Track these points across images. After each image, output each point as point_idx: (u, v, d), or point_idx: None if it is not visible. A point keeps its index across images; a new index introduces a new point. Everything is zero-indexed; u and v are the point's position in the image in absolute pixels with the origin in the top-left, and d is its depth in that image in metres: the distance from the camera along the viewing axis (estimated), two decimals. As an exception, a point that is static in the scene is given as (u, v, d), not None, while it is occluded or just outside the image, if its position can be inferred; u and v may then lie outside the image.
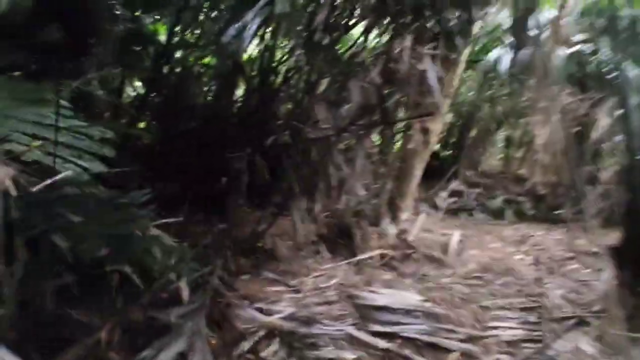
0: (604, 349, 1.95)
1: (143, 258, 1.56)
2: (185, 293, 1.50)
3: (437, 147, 5.01)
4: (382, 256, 2.89)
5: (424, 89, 2.18)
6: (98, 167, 1.26)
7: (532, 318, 2.22)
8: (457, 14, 2.30)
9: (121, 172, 1.84)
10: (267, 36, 3.75)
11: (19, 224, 1.45)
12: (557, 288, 2.62)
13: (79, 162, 1.25)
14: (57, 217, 1.54)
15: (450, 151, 5.46)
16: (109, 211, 1.58)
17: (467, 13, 2.26)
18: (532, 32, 3.19)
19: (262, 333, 1.77)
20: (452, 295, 2.43)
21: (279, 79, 3.89)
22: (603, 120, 4.42)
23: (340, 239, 2.96)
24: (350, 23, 3.34)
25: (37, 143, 1.20)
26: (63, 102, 1.43)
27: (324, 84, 3.51)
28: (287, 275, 2.55)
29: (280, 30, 3.26)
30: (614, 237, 2.69)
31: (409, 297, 2.32)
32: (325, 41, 3.42)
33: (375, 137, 3.31)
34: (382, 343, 1.80)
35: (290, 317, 1.92)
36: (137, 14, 3.14)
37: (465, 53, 3.20)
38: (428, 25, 2.24)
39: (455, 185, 4.84)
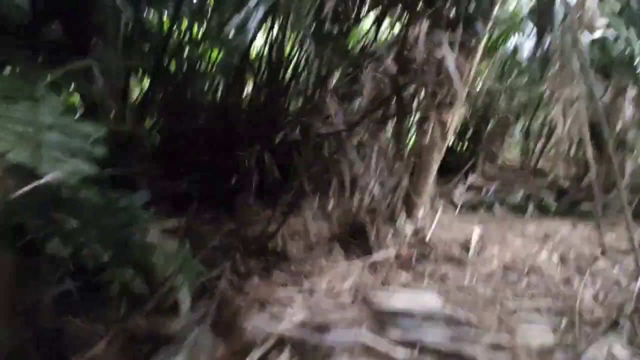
0: (637, 352, 1.80)
1: (144, 263, 1.47)
2: (184, 305, 1.40)
3: (453, 140, 4.84)
4: (398, 255, 2.75)
5: (441, 78, 2.03)
6: (89, 168, 1.15)
7: (563, 322, 2.06)
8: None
9: (123, 172, 1.75)
10: (275, 29, 3.64)
11: (11, 230, 1.36)
12: (587, 288, 2.46)
13: (70, 162, 1.16)
14: (54, 222, 1.45)
15: (468, 144, 5.26)
16: (108, 214, 1.49)
17: (487, -5, 2.11)
18: (556, 18, 3.01)
19: (272, 342, 1.66)
20: (475, 297, 2.29)
21: (289, 73, 3.79)
22: (628, 109, 4.20)
23: (354, 238, 2.84)
24: (362, 12, 3.21)
25: (24, 143, 1.11)
26: (54, 99, 1.34)
27: (335, 77, 3.39)
28: (299, 276, 2.44)
29: (288, 21, 3.14)
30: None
31: (429, 300, 2.19)
32: (335, 32, 3.30)
33: (390, 131, 3.18)
34: (401, 352, 1.68)
35: (302, 324, 1.81)
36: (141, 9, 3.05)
37: (484, 40, 3.02)
38: (445, 9, 2.08)
39: (473, 179, 4.65)
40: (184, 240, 2.39)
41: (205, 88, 3.86)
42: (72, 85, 2.30)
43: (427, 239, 2.97)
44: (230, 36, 2.04)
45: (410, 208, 3.21)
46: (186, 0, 2.75)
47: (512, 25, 4.11)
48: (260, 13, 1.99)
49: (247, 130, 3.71)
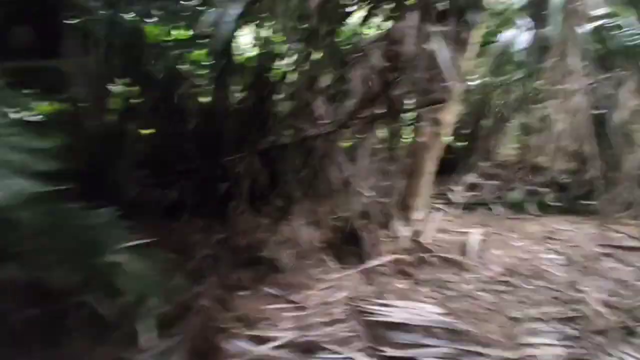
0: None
1: (111, 287, 1.33)
2: (145, 338, 1.26)
3: (450, 138, 4.70)
4: (395, 262, 2.61)
5: (434, 73, 1.89)
6: (34, 186, 1.01)
7: (572, 330, 1.93)
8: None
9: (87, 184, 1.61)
10: (261, 28, 3.51)
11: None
12: (596, 291, 2.32)
13: (11, 181, 1.02)
14: (10, 245, 1.30)
15: (464, 142, 5.12)
16: (68, 234, 1.34)
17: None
18: (552, 9, 2.88)
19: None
20: (477, 306, 2.15)
21: (278, 74, 3.65)
22: (629, 101, 4.06)
23: (348, 245, 2.70)
24: (349, 9, 3.07)
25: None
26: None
27: (325, 77, 3.25)
28: (290, 288, 2.30)
29: (271, 19, 3.00)
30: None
31: (428, 311, 2.05)
32: (324, 29, 3.16)
33: (383, 131, 3.04)
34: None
35: (290, 344, 1.67)
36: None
37: (477, 33, 2.89)
38: (435, 0, 1.95)
39: (471, 178, 4.52)
40: (160, 257, 2.26)
41: (191, 90, 3.72)
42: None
43: (425, 242, 2.83)
44: (207, 33, 1.91)
45: (406, 211, 3.07)
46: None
47: (507, 17, 3.98)
48: (237, 10, 1.86)
49: (236, 135, 3.57)
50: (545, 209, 4.06)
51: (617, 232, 3.27)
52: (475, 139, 5.09)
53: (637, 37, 3.64)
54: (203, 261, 2.67)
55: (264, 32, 3.53)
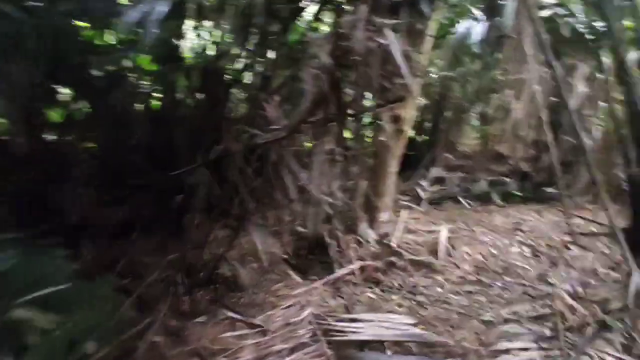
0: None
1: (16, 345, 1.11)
2: None
3: (411, 133, 4.63)
4: (363, 269, 2.48)
5: (389, 68, 1.76)
6: None
7: (546, 330, 1.86)
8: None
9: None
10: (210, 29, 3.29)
11: None
12: (565, 283, 2.28)
13: None
14: None
15: (427, 136, 5.09)
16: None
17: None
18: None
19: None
20: (449, 311, 2.06)
21: (230, 77, 3.44)
22: (580, 87, 4.13)
23: (312, 255, 2.55)
24: (302, 5, 2.92)
25: None
26: None
27: (279, 79, 3.08)
28: (251, 309, 2.12)
29: (217, 17, 2.80)
30: (612, 214, 2.35)
31: (398, 322, 1.92)
32: (274, 27, 2.98)
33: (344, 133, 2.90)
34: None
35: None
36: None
37: (433, 26, 2.80)
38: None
39: (435, 172, 4.48)
40: (104, 287, 2.02)
41: (132, 97, 3.44)
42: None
43: (394, 245, 2.72)
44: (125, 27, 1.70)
45: (372, 213, 2.95)
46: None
47: (462, 9, 3.93)
48: (162, 8, 1.65)
49: (188, 143, 3.33)
50: (509, 199, 4.07)
51: (579, 217, 3.29)
52: (437, 132, 5.07)
53: (585, 25, 3.69)
54: (155, 285, 2.45)
55: (215, 32, 3.32)
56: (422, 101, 4.81)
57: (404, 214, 3.34)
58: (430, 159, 4.67)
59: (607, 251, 2.67)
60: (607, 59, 3.57)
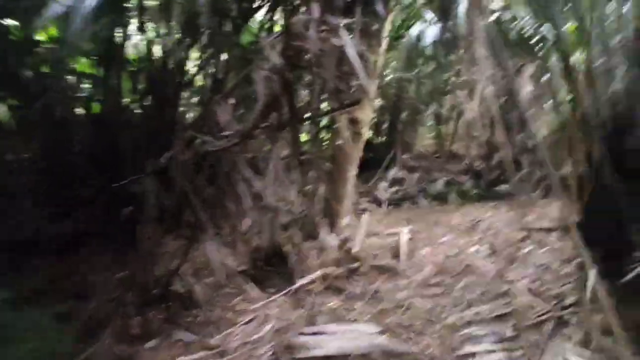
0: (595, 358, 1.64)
1: None
2: None
3: (369, 135, 4.64)
4: (325, 277, 2.40)
5: (344, 70, 1.69)
6: None
7: (507, 329, 1.86)
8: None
9: None
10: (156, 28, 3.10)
11: None
12: (521, 280, 2.32)
13: None
14: None
15: (384, 138, 5.11)
16: None
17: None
18: (456, 2, 2.88)
19: None
20: (412, 316, 2.02)
21: (180, 79, 3.26)
22: (527, 87, 4.30)
23: (270, 265, 2.44)
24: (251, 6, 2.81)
25: None
26: None
27: (231, 81, 2.95)
28: (207, 328, 1.98)
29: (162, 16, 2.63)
30: (562, 210, 2.43)
31: (363, 332, 1.87)
32: (224, 27, 2.86)
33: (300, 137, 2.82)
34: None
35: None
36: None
37: (387, 27, 2.78)
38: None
39: (394, 173, 4.50)
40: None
41: (69, 98, 3.18)
42: None
43: (355, 250, 2.66)
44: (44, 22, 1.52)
45: (332, 218, 2.88)
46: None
47: (415, 11, 3.98)
48: (91, 1, 1.49)
49: (135, 150, 3.12)
50: (465, 198, 4.16)
51: (532, 213, 3.39)
52: (393, 132, 5.11)
53: (529, 28, 3.84)
54: (103, 306, 2.24)
55: (161, 31, 3.13)
56: (379, 103, 4.83)
57: (365, 217, 3.31)
58: (389, 161, 4.69)
59: (557, 246, 2.75)
60: (553, 61, 3.74)
